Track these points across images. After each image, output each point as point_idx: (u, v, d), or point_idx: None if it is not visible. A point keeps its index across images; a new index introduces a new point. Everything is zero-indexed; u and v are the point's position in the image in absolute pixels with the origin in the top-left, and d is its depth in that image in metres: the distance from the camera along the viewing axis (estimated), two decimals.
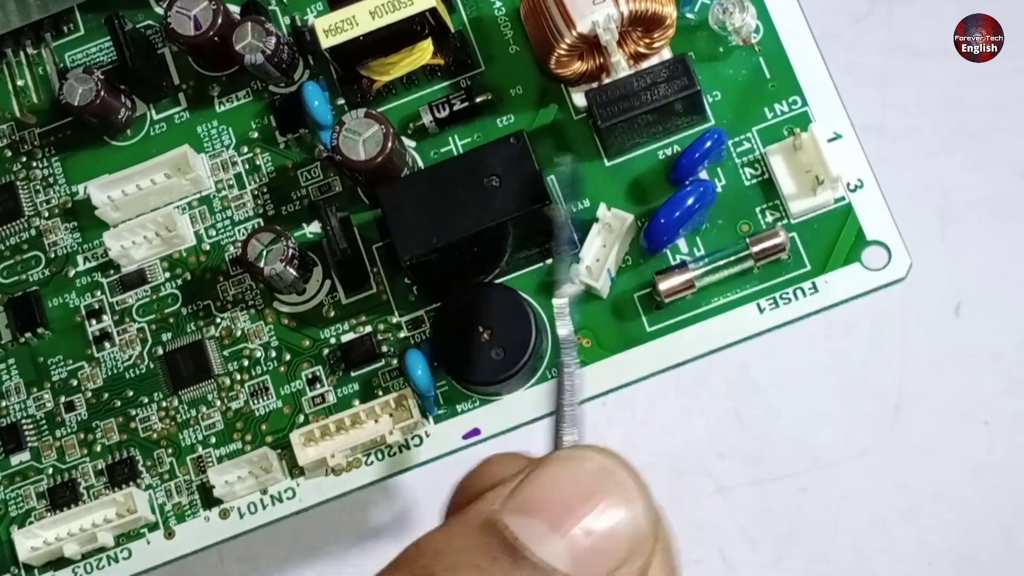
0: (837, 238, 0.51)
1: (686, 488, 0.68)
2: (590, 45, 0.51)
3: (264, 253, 0.51)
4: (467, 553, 0.35)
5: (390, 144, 0.50)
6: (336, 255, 0.51)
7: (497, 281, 0.52)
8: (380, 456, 0.52)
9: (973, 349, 0.67)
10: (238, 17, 0.55)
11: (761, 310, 0.51)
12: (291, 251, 0.51)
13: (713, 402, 0.68)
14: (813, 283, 0.51)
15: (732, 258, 0.50)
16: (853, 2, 0.72)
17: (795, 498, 0.67)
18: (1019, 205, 0.67)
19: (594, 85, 0.52)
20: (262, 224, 0.54)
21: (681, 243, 0.52)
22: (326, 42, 0.52)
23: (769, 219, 0.51)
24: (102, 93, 0.53)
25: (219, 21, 0.53)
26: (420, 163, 0.54)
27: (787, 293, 0.51)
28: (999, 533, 0.65)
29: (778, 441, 0.67)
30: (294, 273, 0.51)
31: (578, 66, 0.52)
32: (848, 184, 0.51)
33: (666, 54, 0.52)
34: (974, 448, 0.66)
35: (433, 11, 0.51)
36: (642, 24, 0.50)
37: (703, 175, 0.52)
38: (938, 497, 0.66)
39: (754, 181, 0.52)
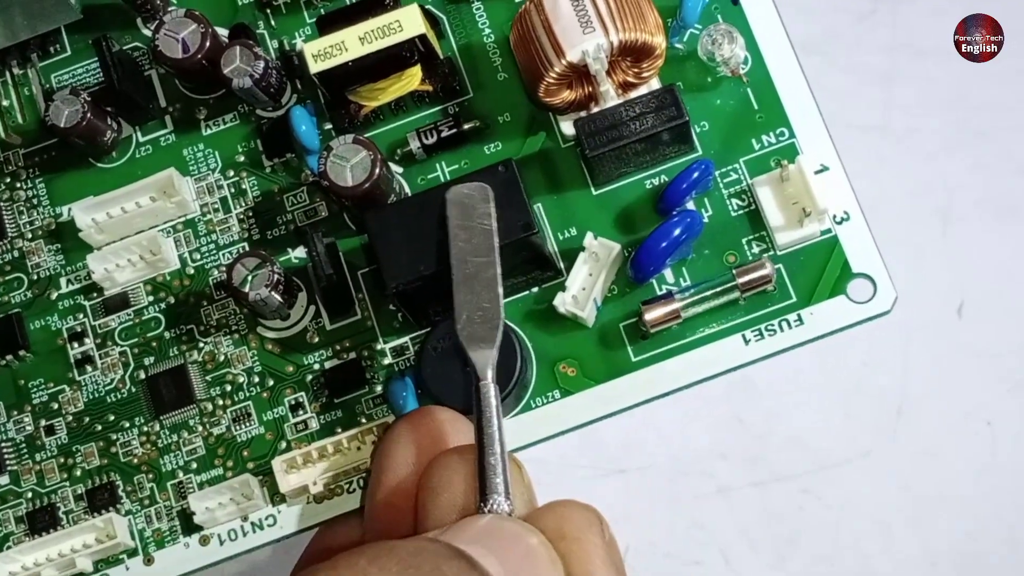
0: (823, 270, 0.51)
1: (687, 489, 0.68)
2: (579, 74, 0.51)
3: (249, 278, 0.50)
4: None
5: (378, 171, 0.50)
6: (322, 281, 0.50)
7: None
8: (362, 483, 0.51)
9: (976, 350, 0.67)
10: (226, 40, 0.54)
11: (747, 341, 0.51)
12: (276, 276, 0.50)
13: (714, 403, 0.68)
14: (799, 315, 0.51)
15: (718, 289, 0.50)
16: (856, 1, 0.72)
17: (797, 500, 0.67)
18: (1022, 205, 0.67)
19: (582, 114, 0.52)
20: (247, 248, 0.54)
21: (667, 273, 0.52)
22: (315, 67, 0.51)
23: (755, 250, 0.51)
24: (88, 115, 0.53)
25: (207, 44, 0.53)
26: (407, 189, 0.53)
27: (772, 325, 0.51)
28: (1002, 534, 0.65)
29: (779, 442, 0.67)
30: (279, 299, 0.51)
31: (567, 95, 0.52)
32: (834, 216, 0.51)
33: (655, 84, 0.52)
34: (977, 449, 0.66)
35: (423, 37, 0.51)
36: (631, 54, 0.51)
37: (690, 205, 0.52)
38: (941, 499, 0.66)
39: (741, 212, 0.52)
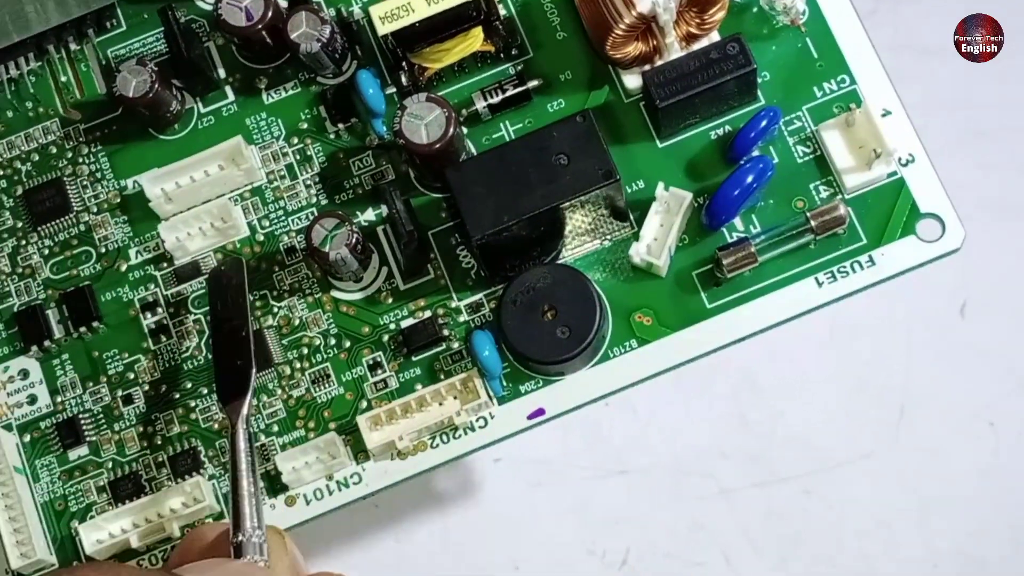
0: (891, 212, 0.52)
1: (689, 490, 0.68)
2: (646, 26, 0.52)
3: (329, 238, 0.51)
4: None
5: (452, 127, 0.51)
6: (403, 237, 0.51)
7: (558, 261, 0.52)
8: (446, 439, 0.52)
9: (979, 349, 0.67)
10: (286, 9, 0.55)
11: (819, 284, 0.52)
12: (355, 236, 0.51)
13: (716, 403, 0.69)
14: (870, 256, 0.52)
15: (791, 232, 0.51)
16: (857, 1, 0.73)
17: (799, 500, 0.67)
18: None
19: (646, 68, 0.52)
20: (316, 213, 0.54)
21: (737, 222, 0.52)
22: (383, 29, 0.52)
23: (824, 195, 0.52)
24: (156, 85, 0.53)
25: (270, 12, 0.53)
26: (473, 150, 0.54)
27: (844, 267, 0.52)
28: (1006, 535, 0.65)
29: (782, 443, 0.67)
30: (357, 260, 0.51)
31: (632, 48, 0.52)
32: (900, 159, 0.52)
33: (715, 37, 0.53)
34: (980, 450, 0.66)
35: None
36: (697, 3, 0.51)
37: (756, 153, 0.53)
38: (944, 499, 0.66)
39: (807, 158, 0.53)
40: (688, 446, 0.68)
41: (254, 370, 0.50)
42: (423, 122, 0.51)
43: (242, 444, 0.48)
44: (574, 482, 0.68)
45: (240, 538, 0.46)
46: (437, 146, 0.51)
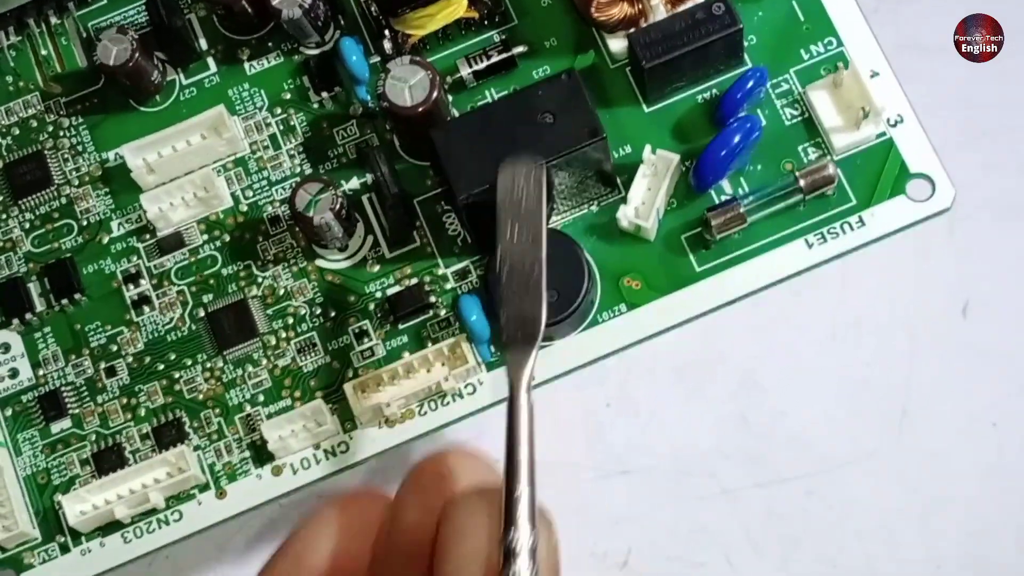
0: (880, 172, 0.52)
1: (690, 490, 0.67)
2: None
3: (313, 203, 0.50)
4: None
5: (437, 89, 0.50)
6: (388, 199, 0.50)
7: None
8: (433, 406, 0.51)
9: (981, 350, 0.66)
10: None
11: (809, 245, 0.51)
12: (339, 201, 0.50)
13: (718, 403, 0.68)
14: (860, 217, 0.51)
15: (780, 193, 0.51)
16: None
17: (801, 501, 0.66)
18: None
19: (631, 30, 0.52)
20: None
21: (725, 184, 0.52)
22: None
23: (812, 156, 0.52)
24: (136, 53, 0.53)
25: None
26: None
27: (834, 228, 0.51)
28: (1009, 537, 0.65)
29: (783, 443, 0.67)
30: (341, 227, 0.51)
31: (617, 10, 0.52)
32: (888, 119, 0.52)
33: None
34: (983, 450, 0.66)
35: None
36: None
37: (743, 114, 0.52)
38: (947, 500, 0.65)
39: (795, 120, 0.52)
40: (689, 446, 0.67)
41: (543, 318, 0.41)
42: (407, 84, 0.50)
43: (523, 417, 0.40)
44: (574, 483, 0.68)
45: (514, 539, 0.37)
46: (421, 108, 0.50)
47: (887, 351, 0.67)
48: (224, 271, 0.53)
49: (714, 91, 0.53)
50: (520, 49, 0.54)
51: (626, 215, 0.51)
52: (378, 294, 0.52)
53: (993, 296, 0.67)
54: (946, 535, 0.64)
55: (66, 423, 0.52)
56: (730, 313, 0.60)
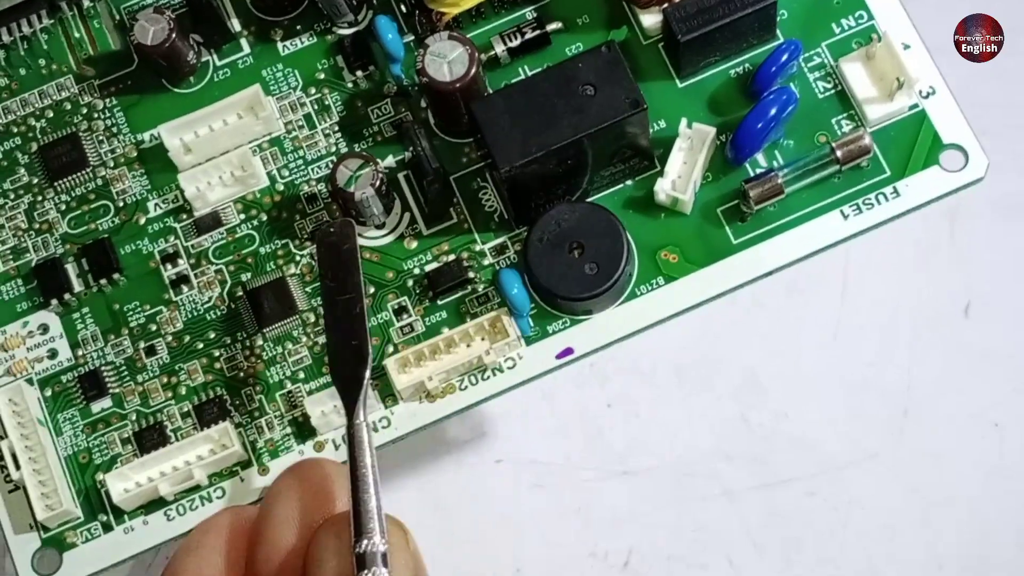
0: (914, 143, 0.52)
1: (692, 491, 0.67)
2: None
3: (353, 178, 0.50)
4: None
5: (475, 65, 0.50)
6: (428, 174, 0.50)
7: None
8: (474, 380, 0.51)
9: (983, 350, 0.67)
10: None
11: (845, 216, 0.52)
12: (380, 176, 0.50)
13: (719, 404, 0.68)
14: (895, 187, 0.52)
15: (815, 164, 0.51)
16: None
17: (803, 502, 0.66)
18: None
19: (665, 5, 0.52)
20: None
21: (760, 158, 0.52)
22: None
23: (846, 129, 0.52)
24: (173, 34, 0.53)
25: None
26: None
27: (869, 199, 0.52)
28: (1011, 538, 0.65)
29: (785, 444, 0.67)
30: (381, 203, 0.51)
31: None
32: (921, 91, 0.52)
33: None
34: (985, 451, 0.66)
35: None
36: None
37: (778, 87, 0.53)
38: (948, 501, 0.66)
39: (828, 94, 0.53)
40: (691, 447, 0.68)
41: (371, 353, 0.47)
42: (446, 60, 0.51)
43: (364, 436, 0.44)
44: (576, 483, 0.68)
45: (364, 546, 0.42)
46: (460, 84, 0.50)
47: (889, 351, 0.67)
48: (262, 250, 0.53)
49: (747, 65, 0.53)
50: (555, 26, 0.54)
51: (663, 188, 0.51)
52: (416, 271, 0.53)
53: (995, 296, 0.67)
54: (948, 535, 0.64)
55: (107, 402, 0.52)
56: (731, 313, 0.61)
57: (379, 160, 0.52)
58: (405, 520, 0.68)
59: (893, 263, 0.67)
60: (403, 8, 0.55)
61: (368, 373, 0.46)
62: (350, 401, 0.46)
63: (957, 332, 0.68)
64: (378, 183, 0.50)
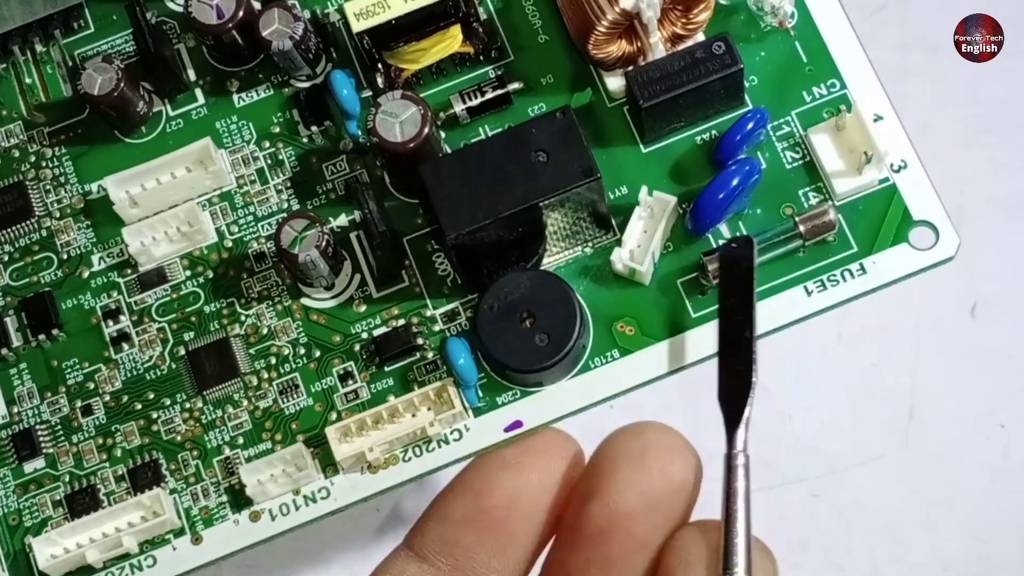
0: (883, 219, 0.50)
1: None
2: (629, 25, 0.50)
3: (298, 240, 0.49)
4: None
5: (428, 125, 0.49)
6: (376, 238, 0.49)
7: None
8: (418, 452, 0.50)
9: (989, 351, 0.66)
10: (259, 7, 0.53)
11: (809, 292, 0.50)
12: (326, 238, 0.49)
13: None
14: (861, 264, 0.50)
15: (779, 238, 0.49)
16: None
17: (808, 504, 0.65)
18: None
19: (629, 68, 0.51)
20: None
21: (723, 228, 0.51)
22: (358, 26, 0.50)
23: (812, 201, 0.51)
24: (122, 83, 0.51)
25: (242, 11, 0.52)
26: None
27: (835, 275, 0.50)
28: (1015, 538, 0.64)
29: (790, 446, 0.66)
30: (327, 265, 0.49)
31: (615, 48, 0.51)
32: (892, 164, 0.50)
33: (700, 38, 0.51)
34: (990, 452, 0.65)
35: None
36: (682, 2, 0.50)
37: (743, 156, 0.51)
38: (953, 503, 0.65)
39: (796, 164, 0.51)
40: (695, 449, 0.67)
41: (755, 381, 0.45)
42: (398, 120, 0.49)
43: (740, 475, 0.45)
44: None
45: (732, 571, 0.44)
46: (412, 145, 0.49)
47: (894, 353, 0.66)
48: (206, 308, 0.52)
49: (713, 132, 0.52)
50: (516, 85, 0.52)
51: (620, 258, 0.50)
52: (364, 335, 0.51)
53: (1001, 297, 0.66)
54: (953, 537, 0.63)
55: (40, 463, 0.51)
56: None
57: (326, 221, 0.51)
58: (409, 520, 0.67)
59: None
60: (367, 61, 0.53)
61: (751, 400, 0.45)
62: (731, 429, 0.45)
63: (963, 333, 0.66)
64: (324, 245, 0.49)
